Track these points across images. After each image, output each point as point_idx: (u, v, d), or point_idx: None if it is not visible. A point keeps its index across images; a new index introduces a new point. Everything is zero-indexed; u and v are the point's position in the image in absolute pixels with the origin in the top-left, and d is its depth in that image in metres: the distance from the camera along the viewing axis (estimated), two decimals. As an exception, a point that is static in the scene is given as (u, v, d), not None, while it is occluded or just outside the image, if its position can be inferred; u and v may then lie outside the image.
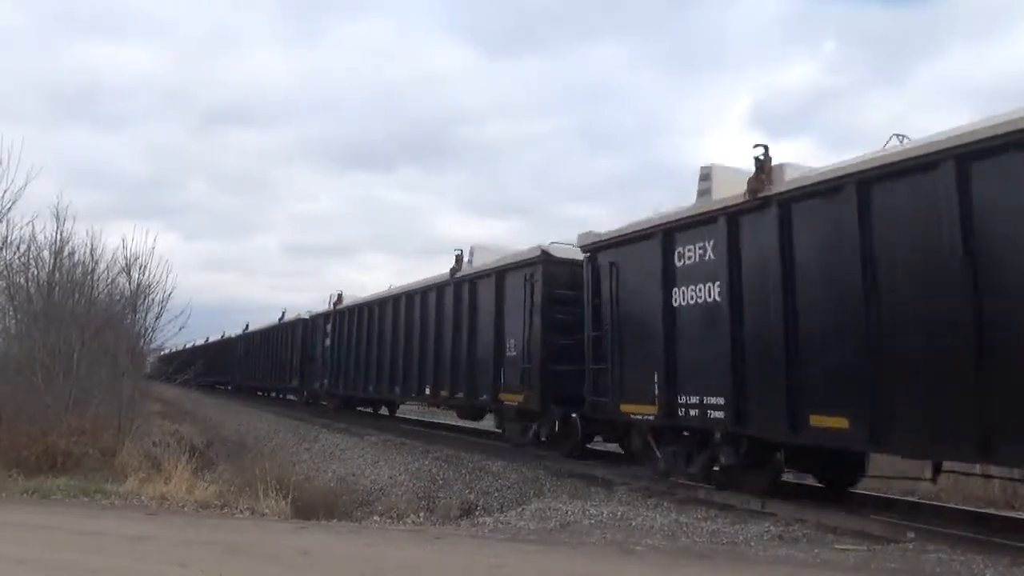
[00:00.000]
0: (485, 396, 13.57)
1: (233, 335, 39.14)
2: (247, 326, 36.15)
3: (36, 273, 15.13)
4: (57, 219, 14.76)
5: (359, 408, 23.11)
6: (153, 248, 15.31)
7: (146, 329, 15.39)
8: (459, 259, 15.07)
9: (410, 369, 16.74)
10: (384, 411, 22.77)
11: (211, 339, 45.05)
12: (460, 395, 14.48)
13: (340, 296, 22.34)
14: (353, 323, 20.84)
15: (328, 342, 22.75)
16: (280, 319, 29.35)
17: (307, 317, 25.77)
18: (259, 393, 34.62)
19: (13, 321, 15.74)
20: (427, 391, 15.91)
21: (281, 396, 32.65)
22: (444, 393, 15.08)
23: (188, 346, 43.52)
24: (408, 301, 17.23)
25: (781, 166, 8.07)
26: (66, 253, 15.13)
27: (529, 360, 12.13)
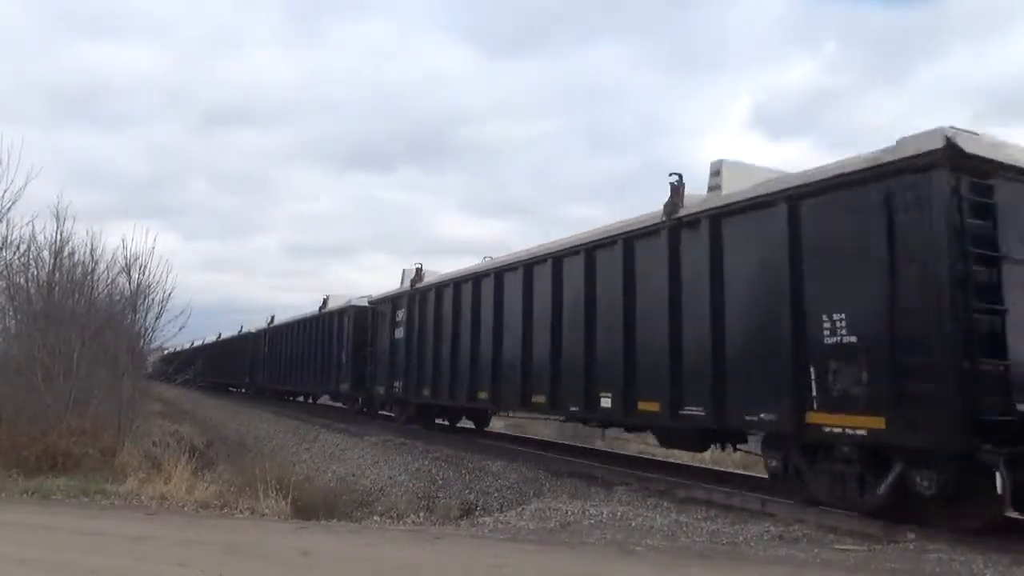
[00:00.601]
0: (765, 415, 7.74)
1: (252, 330, 33.76)
2: (272, 319, 30.87)
3: (36, 273, 15.18)
4: (57, 219, 14.82)
5: (438, 420, 17.66)
6: (153, 248, 15.33)
7: (146, 329, 15.44)
8: (677, 189, 9.24)
9: (565, 369, 11.05)
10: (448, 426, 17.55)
11: (223, 335, 40.39)
12: (693, 411, 8.69)
13: (419, 271, 16.57)
14: (445, 306, 14.91)
15: (400, 333, 17.06)
16: (321, 307, 23.78)
17: (364, 304, 20.26)
18: (287, 398, 30.15)
19: (13, 321, 15.78)
20: (604, 402, 10.15)
21: (310, 400, 28.50)
22: (649, 407, 9.39)
23: (195, 344, 41.36)
24: (557, 267, 11.40)
25: None
26: (66, 253, 15.18)
27: (907, 350, 6.58)
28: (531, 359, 11.92)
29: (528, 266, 12.23)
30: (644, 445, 15.32)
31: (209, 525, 8.01)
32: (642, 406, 9.56)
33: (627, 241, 9.93)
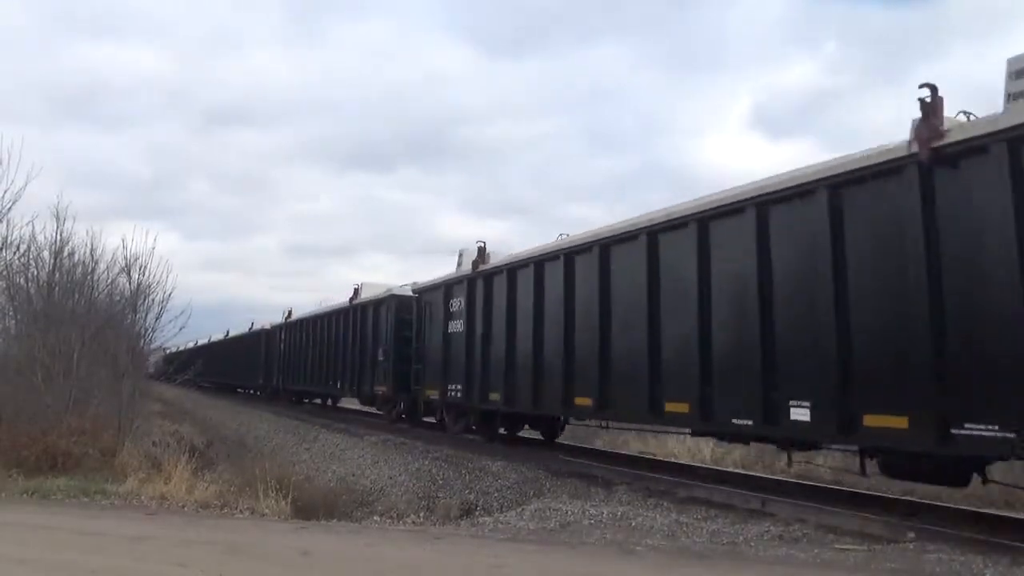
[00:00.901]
0: None
1: (266, 326, 30.96)
2: (289, 313, 28.29)
3: (36, 273, 15.22)
4: (57, 219, 14.86)
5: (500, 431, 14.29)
6: (153, 248, 15.37)
7: (146, 329, 15.47)
8: (934, 107, 6.41)
9: (724, 364, 8.18)
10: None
11: (231, 333, 38.15)
12: (982, 431, 5.79)
13: (483, 251, 13.80)
14: (523, 291, 12.18)
15: (457, 326, 14.28)
16: (352, 299, 20.97)
17: (407, 293, 17.36)
18: (305, 400, 27.69)
19: (13, 321, 15.81)
20: (798, 414, 7.27)
21: (327, 402, 26.58)
22: (887, 423, 6.54)
23: (200, 343, 40.11)
24: (702, 233, 8.59)
25: None
26: (66, 253, 15.23)
27: None
28: (660, 353, 9.06)
29: (652, 234, 9.41)
30: (643, 445, 15.31)
31: (209, 525, 8.01)
32: (873, 421, 6.62)
33: (834, 188, 7.13)
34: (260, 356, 30.96)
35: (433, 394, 15.23)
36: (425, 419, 17.24)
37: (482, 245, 13.87)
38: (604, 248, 10.35)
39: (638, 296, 9.52)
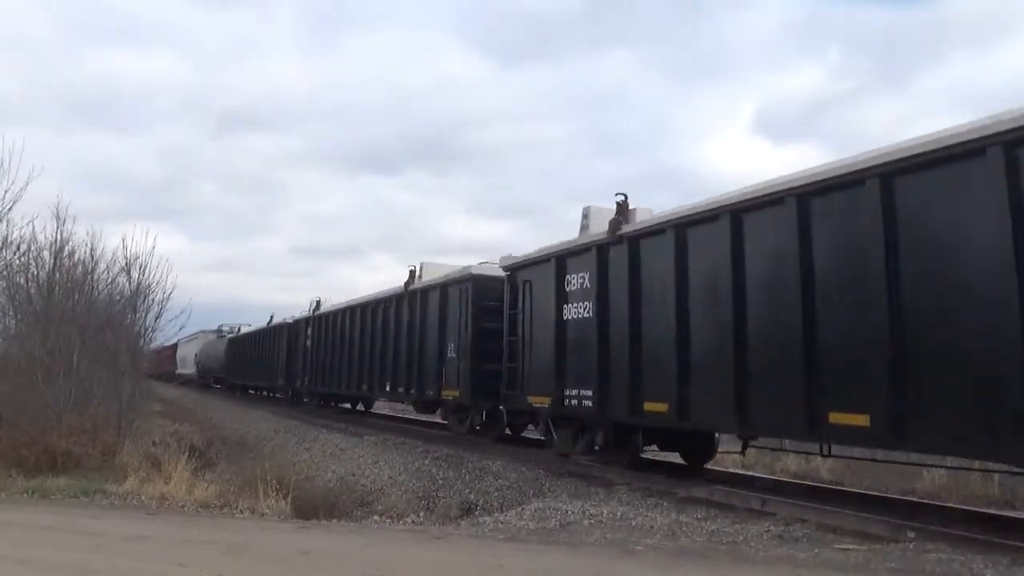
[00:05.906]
0: None
1: (288, 319, 27.02)
2: (316, 305, 24.52)
3: (36, 273, 15.19)
4: (57, 219, 14.85)
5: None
6: (153, 248, 15.37)
7: (146, 329, 15.49)
8: None
9: None
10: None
11: (244, 328, 35.69)
12: None
13: (623, 205, 10.30)
14: (705, 258, 8.74)
15: (578, 311, 10.88)
16: (408, 284, 16.98)
17: (493, 272, 13.67)
18: (333, 404, 24.01)
19: (13, 321, 15.80)
20: None
21: (356, 406, 23.46)
22: None
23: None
24: None
25: None
26: (66, 253, 15.21)
27: None
28: None
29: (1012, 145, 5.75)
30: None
31: (209, 525, 8.01)
32: None
33: None
34: (280, 354, 27.22)
35: (540, 402, 11.71)
36: (507, 433, 14.52)
37: (621, 199, 10.21)
38: (886, 180, 6.67)
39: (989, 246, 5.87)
